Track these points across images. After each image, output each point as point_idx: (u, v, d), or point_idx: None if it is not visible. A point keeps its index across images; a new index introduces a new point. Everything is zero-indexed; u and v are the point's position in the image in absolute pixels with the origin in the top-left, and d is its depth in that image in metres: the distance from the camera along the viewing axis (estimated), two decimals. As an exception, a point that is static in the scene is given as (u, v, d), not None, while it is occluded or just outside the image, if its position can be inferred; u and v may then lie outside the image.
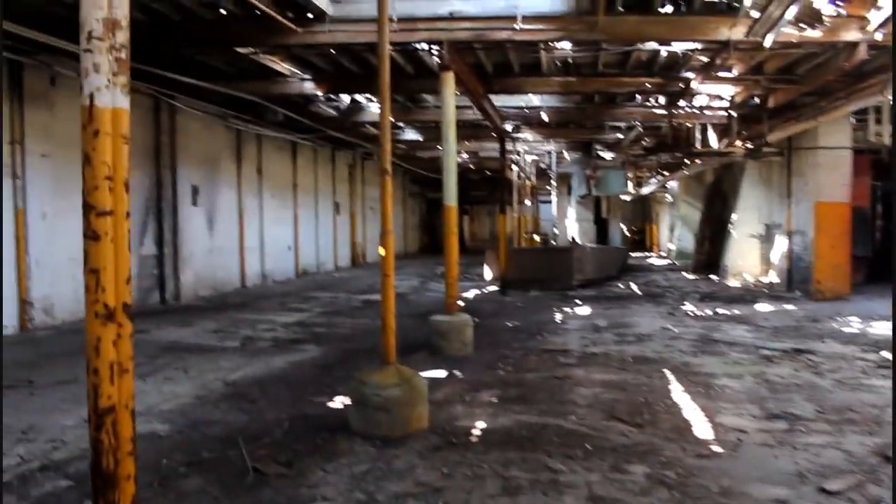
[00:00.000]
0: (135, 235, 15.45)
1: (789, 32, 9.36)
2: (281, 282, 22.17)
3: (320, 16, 10.76)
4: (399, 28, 10.44)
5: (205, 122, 17.92)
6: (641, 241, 43.08)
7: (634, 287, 19.93)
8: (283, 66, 14.40)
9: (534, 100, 18.24)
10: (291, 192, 23.91)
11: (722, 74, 13.02)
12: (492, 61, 14.35)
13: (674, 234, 34.33)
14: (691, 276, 23.23)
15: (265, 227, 21.57)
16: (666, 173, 27.87)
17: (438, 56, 10.79)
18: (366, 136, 23.36)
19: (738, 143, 15.27)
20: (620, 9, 10.34)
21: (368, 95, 18.11)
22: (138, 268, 15.53)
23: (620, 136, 21.55)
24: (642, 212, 47.42)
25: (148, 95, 15.34)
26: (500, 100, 17.97)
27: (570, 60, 13.74)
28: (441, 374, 8.91)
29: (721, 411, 6.94)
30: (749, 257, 20.54)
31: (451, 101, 10.41)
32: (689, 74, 13.64)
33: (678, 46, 12.24)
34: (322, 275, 25.22)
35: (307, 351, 10.71)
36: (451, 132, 10.41)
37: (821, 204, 15.84)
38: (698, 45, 11.98)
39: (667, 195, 38.40)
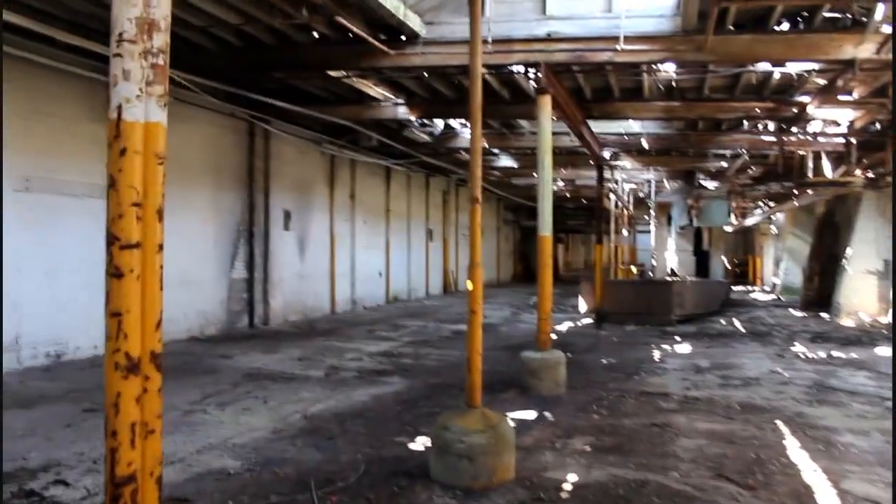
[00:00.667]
0: (226, 259, 15.45)
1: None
2: (371, 308, 21.95)
3: (413, 38, 10.48)
4: (494, 50, 10.05)
5: (299, 146, 17.92)
6: (744, 274, 41.33)
7: (737, 324, 18.85)
8: (376, 91, 14.19)
9: (634, 126, 17.54)
10: (384, 217, 23.76)
11: (842, 98, 12.09)
12: (591, 85, 13.79)
13: (779, 268, 32.76)
14: (799, 314, 21.91)
15: (356, 253, 21.41)
16: (772, 204, 26.60)
17: (535, 79, 10.33)
18: (459, 163, 23.04)
19: (858, 171, 14.20)
20: (731, 27, 9.65)
21: (462, 121, 17.76)
22: (228, 291, 15.50)
23: (725, 164, 20.57)
24: (745, 244, 45.67)
25: (242, 120, 15.38)
26: (598, 125, 17.35)
27: (674, 84, 13.07)
28: (531, 415, 8.33)
29: (847, 475, 6.12)
30: (865, 295, 19.19)
31: (547, 125, 9.89)
32: (804, 98, 12.77)
33: (793, 67, 11.43)
34: (413, 302, 24.93)
35: (392, 384, 10.29)
36: (546, 158, 9.88)
37: (947, 240, 14.59)
38: (816, 66, 11.14)
39: (772, 227, 36.86)
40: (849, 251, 19.59)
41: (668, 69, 12.11)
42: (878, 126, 14.60)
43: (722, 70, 11.66)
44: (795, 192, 17.60)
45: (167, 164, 2.68)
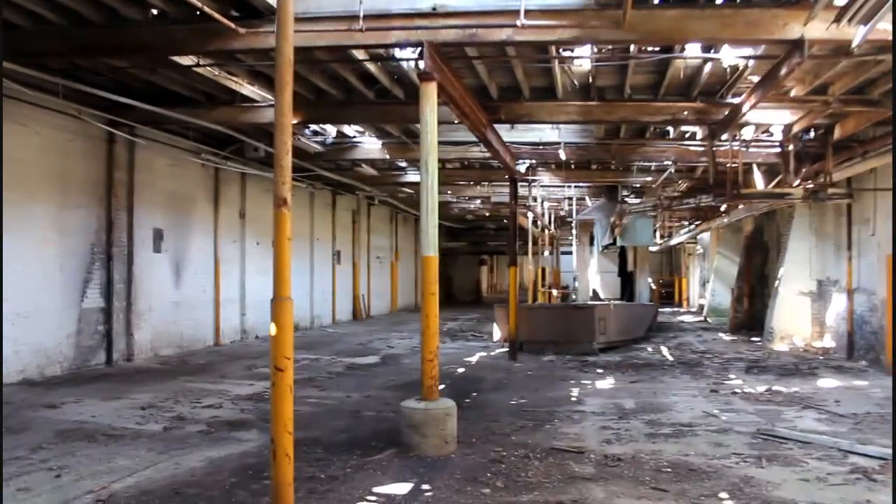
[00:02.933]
0: (75, 286, 13.16)
1: (885, 29, 6.91)
2: (264, 338, 19.65)
3: (270, 13, 8.43)
4: (367, 27, 8.10)
5: (173, 157, 15.71)
6: (669, 295, 40.28)
7: (665, 351, 17.23)
8: (249, 89, 12.18)
9: (550, 134, 15.83)
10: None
11: (781, 93, 10.54)
12: (496, 82, 12.04)
13: (706, 289, 31.62)
14: (729, 337, 20.51)
15: (247, 277, 19.16)
16: (698, 222, 25.32)
17: (417, 62, 8.40)
18: (363, 178, 21.00)
19: (796, 183, 12.70)
20: (654, 0, 7.94)
21: (358, 128, 15.78)
22: (77, 323, 13.18)
23: (650, 178, 19.06)
24: (670, 264, 44.78)
25: (95, 124, 13.13)
26: (511, 135, 15.66)
27: (591, 80, 11.36)
28: (402, 489, 6.33)
29: None
30: (799, 318, 17.80)
31: (431, 120, 7.96)
32: (737, 100, 11.21)
33: (727, 57, 9.80)
34: (315, 330, 22.73)
35: (243, 441, 8.21)
36: (431, 161, 7.95)
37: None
38: (753, 53, 9.54)
39: (698, 246, 35.83)
40: (781, 271, 18.22)
41: (583, 61, 10.41)
42: (812, 133, 13.21)
43: (645, 57, 9.94)
44: (726, 207, 16.10)
45: None
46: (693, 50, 9.77)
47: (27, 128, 12.00)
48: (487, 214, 32.31)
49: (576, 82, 11.12)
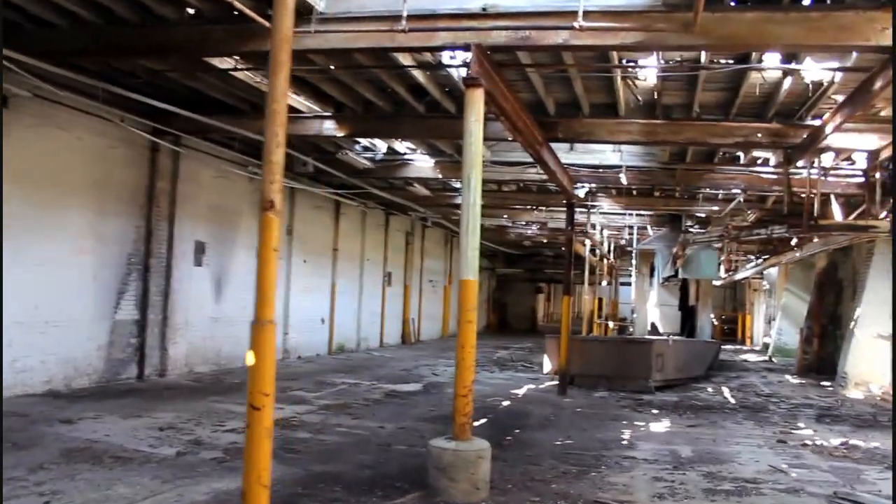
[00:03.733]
0: (109, 296, 12.73)
1: None
2: (307, 359, 19.10)
3: (307, 13, 7.82)
4: (411, 27, 7.41)
5: (219, 168, 15.25)
6: (732, 332, 38.70)
7: (727, 393, 16.09)
8: (295, 99, 11.62)
9: (610, 157, 15.00)
10: (330, 257, 21.01)
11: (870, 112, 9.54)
12: (554, 97, 11.30)
13: (772, 327, 30.15)
14: (796, 380, 19.21)
15: (292, 296, 18.64)
16: (766, 256, 24.04)
17: (465, 66, 7.69)
18: (416, 198, 20.36)
19: (883, 214, 11.58)
20: (731, 2, 7.10)
21: (410, 145, 15.14)
22: (110, 335, 12.73)
23: (716, 207, 18.00)
24: (734, 299, 43.15)
25: (139, 131, 12.71)
26: (569, 157, 14.85)
27: (656, 96, 10.52)
28: (421, 545, 5.54)
29: None
30: (876, 364, 16.44)
31: (476, 130, 7.24)
32: (816, 122, 10.25)
33: (810, 71, 8.86)
34: (360, 353, 22.07)
35: (258, 474, 7.46)
36: (474, 174, 7.24)
37: None
38: (840, 65, 8.59)
39: (764, 282, 34.32)
40: (857, 312, 16.93)
41: (648, 72, 9.57)
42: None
43: (717, 68, 9.05)
44: (799, 239, 14.97)
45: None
46: (771, 61, 8.85)
47: (67, 132, 11.65)
48: (545, 241, 31.40)
49: (639, 98, 10.30)
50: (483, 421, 11.31)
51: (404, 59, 9.83)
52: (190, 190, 14.46)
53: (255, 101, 12.40)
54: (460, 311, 7.09)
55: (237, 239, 16.32)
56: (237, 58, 9.85)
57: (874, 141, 10.81)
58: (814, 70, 8.86)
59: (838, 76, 8.77)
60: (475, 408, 12.22)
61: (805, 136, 10.56)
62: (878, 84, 7.37)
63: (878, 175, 11.70)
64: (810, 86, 9.32)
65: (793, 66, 8.82)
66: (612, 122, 11.24)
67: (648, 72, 9.50)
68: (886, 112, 9.76)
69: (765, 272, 29.64)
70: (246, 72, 10.12)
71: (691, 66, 9.08)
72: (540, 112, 11.35)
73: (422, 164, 16.08)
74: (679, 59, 9.14)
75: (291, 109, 11.95)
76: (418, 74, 10.28)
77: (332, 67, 10.19)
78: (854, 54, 8.37)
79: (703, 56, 8.89)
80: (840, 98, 9.39)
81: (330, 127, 12.39)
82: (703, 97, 10.59)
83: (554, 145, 13.15)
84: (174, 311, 14.09)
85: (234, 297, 16.16)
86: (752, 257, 24.93)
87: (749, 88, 9.91)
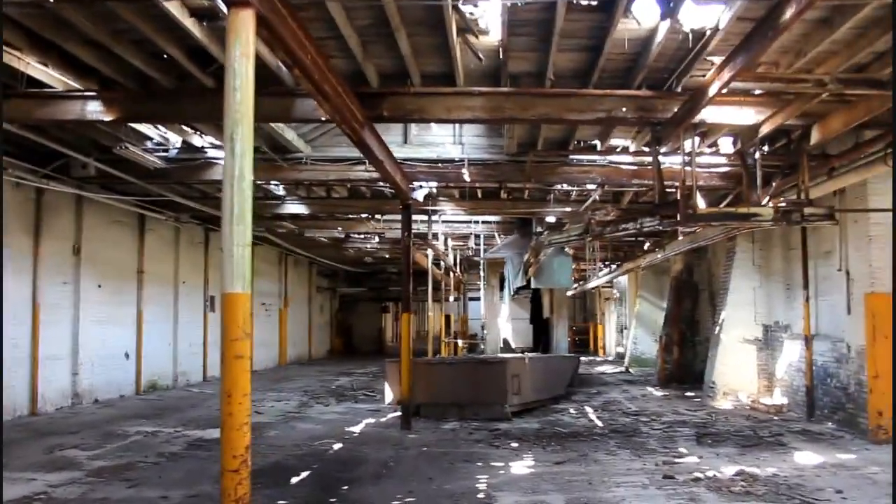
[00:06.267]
0: None
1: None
2: (106, 402, 15.89)
3: None
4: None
5: (-33, 173, 12.02)
6: (584, 343, 37.87)
7: (592, 414, 14.31)
8: (37, 67, 8.84)
9: (451, 150, 12.98)
10: (135, 281, 17.88)
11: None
12: (376, 65, 9.08)
13: (625, 337, 29.23)
14: (660, 392, 17.84)
15: (83, 328, 15.41)
16: (619, 263, 22.81)
17: None
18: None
19: (765, 201, 9.98)
20: None
21: (214, 140, 12.46)
22: None
23: (569, 209, 16.30)
24: (584, 309, 42.57)
25: None
26: (403, 150, 12.75)
27: (502, 56, 8.47)
28: None
29: None
30: (743, 370, 15.22)
31: (242, 68, 4.86)
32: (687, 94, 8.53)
33: (689, 18, 7.01)
34: (177, 390, 18.96)
35: None
36: (240, 132, 4.84)
37: (875, 297, 10.62)
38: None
39: (614, 290, 33.55)
40: (722, 315, 15.64)
41: (490, 21, 7.50)
42: (764, 147, 10.64)
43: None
44: (651, 244, 13.39)
45: None
46: (644, 4, 6.94)
47: None
48: (388, 256, 29.17)
49: (482, 58, 8.18)
50: (304, 475, 8.92)
51: (177, 12, 7.36)
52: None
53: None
54: (223, 340, 4.65)
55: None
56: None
57: (751, 115, 9.19)
58: (695, 15, 7.02)
59: (725, 19, 6.98)
60: (298, 455, 9.74)
61: (676, 109, 8.80)
62: (788, 13, 5.55)
63: (757, 155, 10.16)
64: (691, 36, 7.50)
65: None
66: (449, 92, 9.08)
67: (490, 19, 7.40)
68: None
69: (615, 280, 28.68)
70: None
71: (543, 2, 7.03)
72: (360, 82, 9.11)
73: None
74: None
75: (35, 83, 9.20)
76: (195, 30, 7.77)
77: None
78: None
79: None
80: (718, 60, 7.63)
81: (95, 109, 9.56)
82: (559, 60, 8.67)
83: (387, 139, 11.00)
84: None
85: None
86: (602, 265, 23.62)
87: (615, 45, 8.03)
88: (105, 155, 12.72)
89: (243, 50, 4.86)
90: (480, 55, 7.92)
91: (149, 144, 12.36)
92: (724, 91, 7.48)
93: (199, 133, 12.18)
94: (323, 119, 9.09)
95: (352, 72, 9.04)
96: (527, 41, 8.30)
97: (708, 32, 7.38)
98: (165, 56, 8.79)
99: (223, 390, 4.63)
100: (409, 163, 12.97)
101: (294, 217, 19.06)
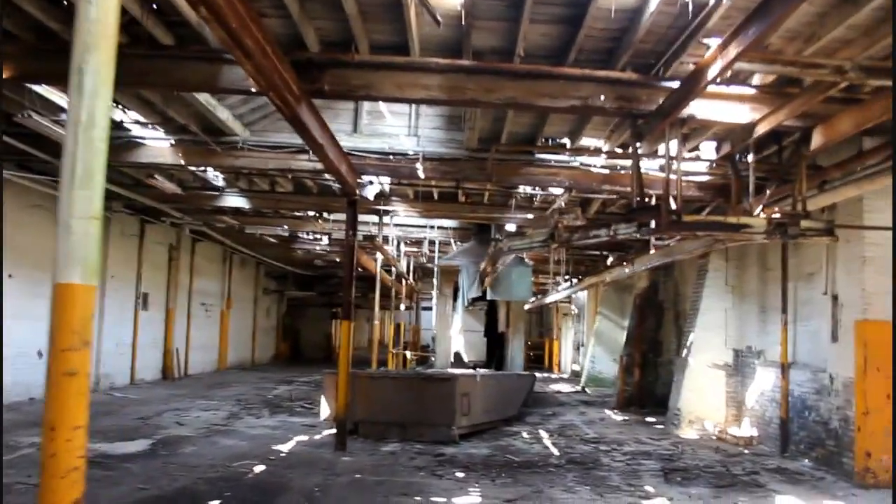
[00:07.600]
0: None
1: None
2: (10, 406, 14.18)
3: None
4: None
5: None
6: (538, 359, 36.72)
7: (547, 439, 13.07)
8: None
9: (405, 142, 11.73)
10: (48, 273, 16.16)
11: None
12: (317, 28, 7.79)
13: (581, 354, 28.16)
14: (620, 417, 16.68)
15: (-13, 323, 13.78)
16: (580, 277, 21.66)
17: None
18: (164, 198, 15.97)
19: (757, 210, 8.82)
20: None
21: (138, 116, 11.01)
22: None
23: (531, 216, 15.11)
24: (540, 324, 41.51)
25: None
26: (351, 140, 11.49)
27: (464, 23, 7.21)
28: None
29: None
30: (711, 397, 14.12)
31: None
32: (675, 84, 7.37)
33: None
34: (99, 394, 17.25)
35: None
36: (95, 60, 3.45)
37: (868, 325, 9.53)
38: None
39: (572, 306, 32.50)
40: (690, 338, 14.53)
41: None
42: (750, 154, 9.49)
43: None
44: (614, 259, 12.17)
45: None
46: None
47: None
48: (338, 260, 27.70)
49: (439, 19, 6.87)
50: (216, 505, 7.56)
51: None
52: None
53: None
54: (51, 349, 3.30)
55: None
56: None
57: (746, 113, 8.05)
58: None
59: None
60: (211, 479, 8.35)
61: (662, 100, 7.61)
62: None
63: (750, 158, 9.00)
64: (691, 6, 6.30)
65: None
66: (402, 64, 7.74)
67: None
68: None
69: (573, 296, 27.60)
70: None
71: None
72: (297, 48, 7.80)
73: (156, 144, 11.97)
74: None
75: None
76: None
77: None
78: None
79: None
80: (715, 43, 6.44)
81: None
82: (531, 34, 7.45)
83: (334, 126, 9.83)
84: None
85: None
86: (561, 279, 22.42)
87: (598, 17, 6.82)
88: (12, 128, 11.20)
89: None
90: (438, 17, 6.63)
91: (63, 116, 10.87)
92: (720, 81, 6.36)
93: (121, 107, 10.72)
94: (253, 90, 7.72)
95: (288, 35, 7.74)
96: (494, 6, 7.07)
97: (711, 2, 6.18)
98: (66, 2, 7.40)
99: (45, 422, 3.26)
100: (358, 153, 11.65)
101: (236, 212, 17.60)
